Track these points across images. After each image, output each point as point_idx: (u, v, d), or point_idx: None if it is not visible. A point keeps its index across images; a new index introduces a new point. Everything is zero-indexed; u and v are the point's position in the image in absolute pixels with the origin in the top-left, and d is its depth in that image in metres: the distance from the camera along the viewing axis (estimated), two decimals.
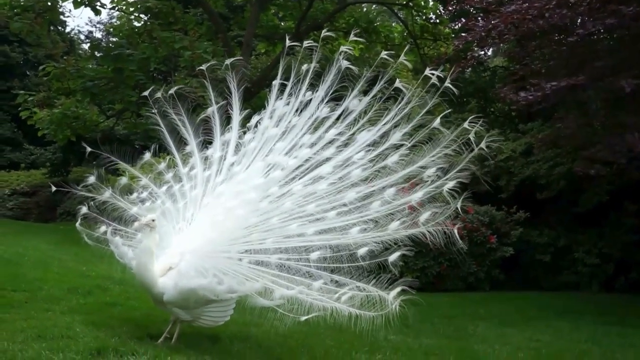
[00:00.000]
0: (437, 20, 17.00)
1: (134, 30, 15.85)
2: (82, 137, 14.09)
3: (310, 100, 4.67)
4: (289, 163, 4.50)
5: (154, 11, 15.58)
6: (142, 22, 16.42)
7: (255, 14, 16.02)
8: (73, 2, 14.07)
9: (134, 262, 4.38)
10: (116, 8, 16.76)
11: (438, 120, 4.35)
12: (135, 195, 4.94)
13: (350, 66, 4.54)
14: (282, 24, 19.00)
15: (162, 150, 5.16)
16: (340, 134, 4.55)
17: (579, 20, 8.57)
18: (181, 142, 4.97)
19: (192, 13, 17.34)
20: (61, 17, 20.23)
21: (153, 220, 4.30)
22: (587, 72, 8.31)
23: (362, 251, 4.07)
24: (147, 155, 5.08)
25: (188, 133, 4.95)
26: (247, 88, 7.04)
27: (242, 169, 4.61)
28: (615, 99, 8.80)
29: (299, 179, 4.48)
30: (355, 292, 3.97)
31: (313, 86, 4.69)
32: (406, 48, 7.12)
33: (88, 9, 15.16)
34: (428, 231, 4.00)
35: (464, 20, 13.13)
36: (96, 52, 18.33)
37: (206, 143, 4.96)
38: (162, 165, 5.12)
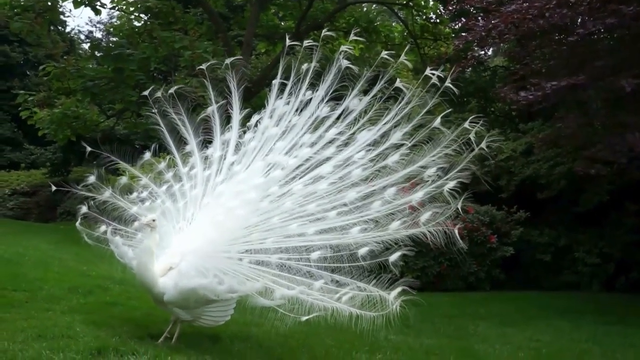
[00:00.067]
0: (438, 20, 17.00)
1: (134, 30, 15.85)
2: (82, 137, 14.09)
3: (311, 99, 4.67)
4: (289, 162, 4.50)
5: (154, 11, 15.58)
6: (142, 22, 16.43)
7: (255, 13, 16.02)
8: (73, 2, 14.06)
9: (134, 261, 4.38)
10: (116, 8, 16.79)
11: (438, 120, 4.35)
12: (135, 194, 4.94)
13: (351, 65, 4.54)
14: (282, 23, 19.00)
15: (162, 150, 5.16)
16: (340, 133, 4.55)
17: (579, 20, 8.57)
18: (181, 142, 4.97)
19: (192, 13, 17.34)
20: (61, 17, 20.19)
21: (153, 220, 4.29)
22: (588, 71, 8.31)
23: (362, 251, 4.06)
24: (147, 155, 5.08)
25: (188, 132, 4.94)
26: (248, 88, 7.04)
27: (242, 168, 4.61)
28: (615, 98, 8.80)
29: (299, 178, 4.48)
30: (356, 292, 3.97)
31: (313, 85, 4.69)
32: (407, 48, 7.11)
33: (88, 8, 15.16)
34: (429, 231, 3.99)
35: (464, 20, 13.13)
36: (96, 52, 18.33)
37: (206, 142, 4.96)
38: (162, 165, 5.11)
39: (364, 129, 4.50)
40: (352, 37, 5.45)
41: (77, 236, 5.07)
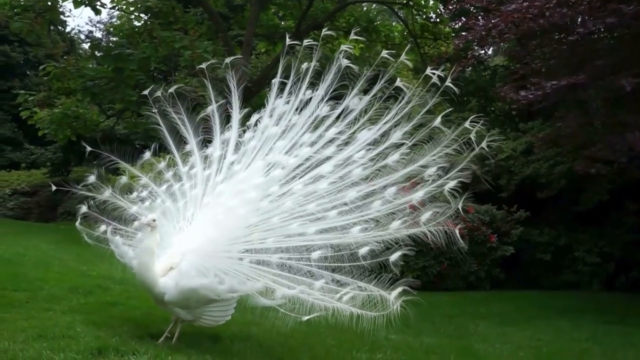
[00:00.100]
0: (438, 20, 16.99)
1: (134, 29, 15.84)
2: (83, 137, 14.10)
3: (310, 99, 4.67)
4: (289, 162, 4.49)
5: (154, 11, 15.56)
6: (142, 22, 16.42)
7: (256, 13, 16.01)
8: (73, 2, 14.06)
9: (135, 261, 4.37)
10: (116, 7, 16.78)
11: (439, 119, 4.35)
12: (135, 194, 4.94)
13: (351, 65, 4.54)
14: (282, 23, 18.99)
15: (162, 150, 5.16)
16: (340, 132, 4.55)
17: (579, 19, 8.56)
18: (181, 141, 4.97)
19: (192, 12, 17.34)
20: (61, 16, 20.16)
21: (154, 220, 4.29)
22: (588, 71, 8.30)
23: (363, 250, 4.06)
24: (147, 155, 5.07)
25: (188, 132, 4.94)
26: (248, 87, 7.04)
27: (242, 168, 4.61)
28: (615, 97, 8.80)
29: (300, 178, 4.47)
30: (356, 292, 3.97)
31: (313, 85, 4.69)
32: (407, 47, 7.11)
33: (88, 8, 15.15)
34: (429, 231, 3.99)
35: (464, 19, 13.13)
36: (96, 52, 18.32)
37: (206, 142, 4.96)
38: (162, 164, 5.11)
39: (364, 128, 4.50)
40: (352, 36, 5.44)
41: (77, 236, 5.07)
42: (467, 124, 4.26)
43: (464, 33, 10.91)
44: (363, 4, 18.65)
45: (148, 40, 14.61)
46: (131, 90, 14.31)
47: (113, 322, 4.84)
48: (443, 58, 13.98)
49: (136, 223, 4.74)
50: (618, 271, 11.39)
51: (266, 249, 4.28)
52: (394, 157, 4.35)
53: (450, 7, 13.64)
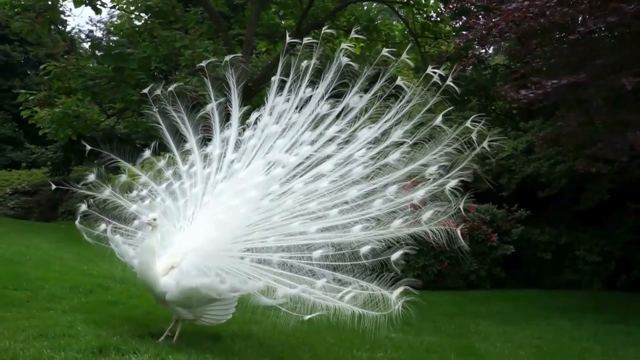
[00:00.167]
0: (438, 19, 16.98)
1: (134, 29, 15.85)
2: (83, 136, 14.11)
3: (311, 97, 4.66)
4: (289, 160, 4.49)
5: (155, 10, 15.55)
6: (143, 21, 16.42)
7: (256, 12, 16.00)
8: (73, 1, 14.04)
9: (136, 260, 4.37)
10: (117, 7, 16.77)
11: (440, 118, 4.34)
12: (135, 192, 4.94)
13: (351, 63, 4.53)
14: (283, 22, 18.98)
15: (162, 149, 5.16)
16: (341, 131, 4.54)
17: (580, 18, 8.55)
18: (181, 140, 4.97)
19: (192, 12, 17.33)
20: (62, 16, 20.09)
21: (155, 219, 4.29)
22: (588, 70, 8.29)
23: (364, 249, 4.06)
24: (147, 153, 5.07)
25: (187, 130, 4.94)
26: (248, 86, 7.03)
27: (243, 166, 4.60)
28: (616, 97, 8.78)
29: (300, 176, 4.47)
30: (358, 291, 3.96)
31: (313, 83, 4.68)
32: (408, 47, 7.10)
33: (88, 8, 15.14)
34: (430, 230, 3.99)
35: (464, 18, 13.11)
36: (97, 51, 18.32)
37: (206, 140, 4.95)
38: (162, 163, 5.11)
39: (364, 127, 4.49)
40: (352, 35, 5.44)
41: (78, 235, 5.07)
42: (468, 123, 4.25)
43: (464, 32, 10.90)
44: (363, 3, 18.65)
45: (148, 39, 14.60)
46: (132, 89, 14.30)
47: (114, 321, 4.84)
48: (444, 57, 14.00)
49: (137, 222, 4.74)
50: (619, 270, 11.37)
51: (267, 247, 4.28)
52: (395, 155, 4.34)
53: (451, 6, 13.62)
